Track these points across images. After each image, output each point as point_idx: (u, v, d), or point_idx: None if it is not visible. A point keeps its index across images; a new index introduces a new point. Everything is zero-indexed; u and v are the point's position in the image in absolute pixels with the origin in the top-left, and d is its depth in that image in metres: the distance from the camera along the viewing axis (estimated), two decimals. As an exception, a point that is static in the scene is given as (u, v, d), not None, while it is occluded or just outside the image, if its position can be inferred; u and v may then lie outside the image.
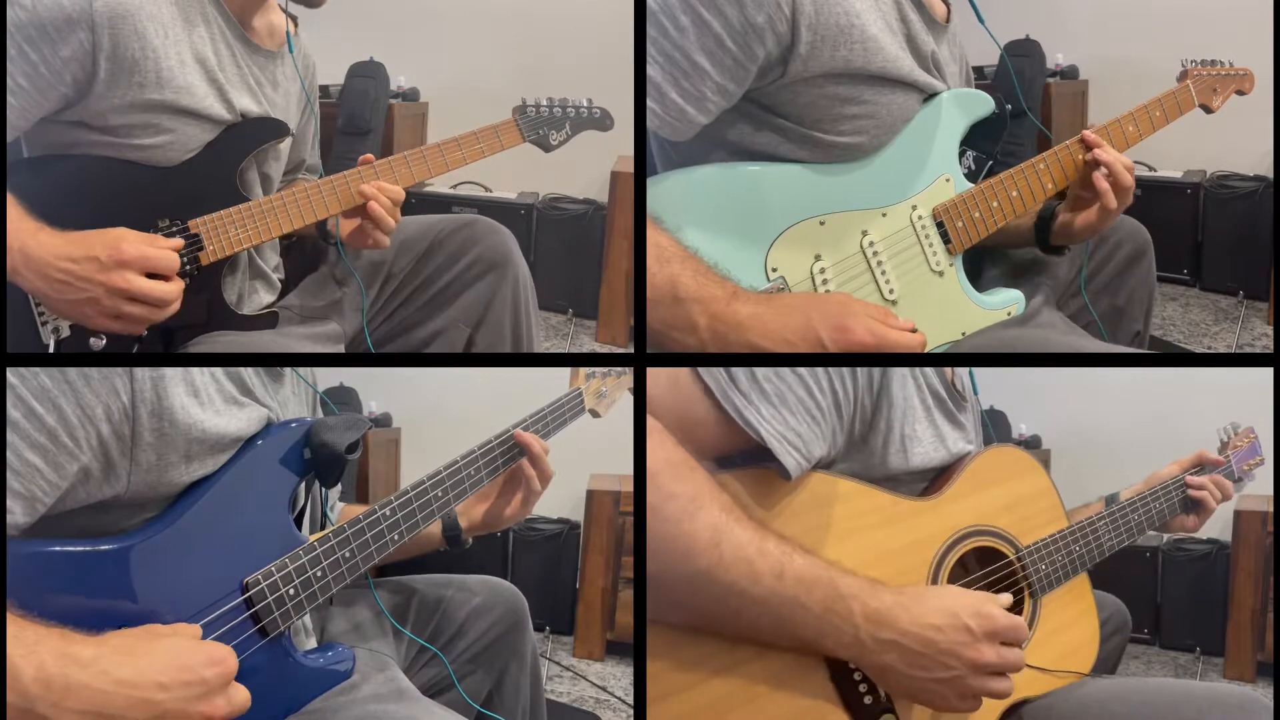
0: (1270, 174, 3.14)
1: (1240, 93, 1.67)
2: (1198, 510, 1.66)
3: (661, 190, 1.32)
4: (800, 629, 1.12)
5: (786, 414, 1.18)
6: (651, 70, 1.28)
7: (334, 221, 1.59)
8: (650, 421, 1.14)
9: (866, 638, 1.12)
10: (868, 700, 1.18)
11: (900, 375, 1.27)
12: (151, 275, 1.34)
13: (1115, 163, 1.48)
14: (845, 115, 1.36)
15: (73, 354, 1.40)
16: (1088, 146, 1.50)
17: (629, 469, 2.66)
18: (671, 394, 1.20)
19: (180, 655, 0.97)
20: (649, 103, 1.28)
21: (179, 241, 1.41)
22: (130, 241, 1.34)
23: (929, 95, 1.43)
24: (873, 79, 1.35)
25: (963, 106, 1.44)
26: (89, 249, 1.31)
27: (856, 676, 1.18)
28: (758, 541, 1.11)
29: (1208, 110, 1.64)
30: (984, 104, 1.46)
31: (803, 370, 1.21)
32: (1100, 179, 1.49)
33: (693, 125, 1.32)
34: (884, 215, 1.40)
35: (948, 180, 1.43)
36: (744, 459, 1.19)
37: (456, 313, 1.70)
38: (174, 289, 1.36)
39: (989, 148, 1.50)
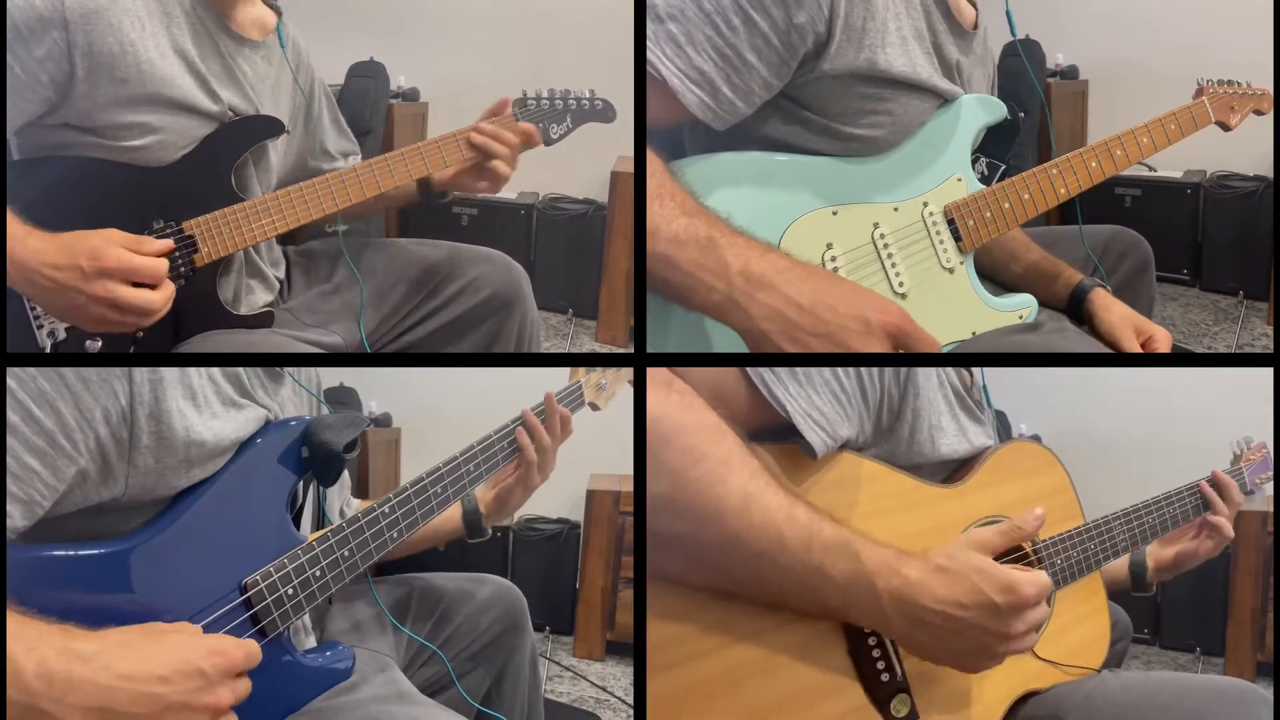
0: (1270, 174, 3.14)
1: (1258, 112, 1.67)
2: (1210, 529, 1.68)
3: (681, 173, 1.33)
4: (826, 599, 1.12)
5: (812, 393, 1.20)
6: (706, 65, 1.31)
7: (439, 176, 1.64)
8: (683, 386, 1.14)
9: (891, 614, 1.12)
10: (884, 678, 1.19)
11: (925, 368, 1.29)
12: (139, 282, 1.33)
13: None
14: (865, 110, 1.38)
15: (71, 354, 1.40)
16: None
17: (629, 469, 2.66)
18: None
19: (181, 649, 0.97)
20: (701, 95, 1.32)
21: (168, 244, 1.39)
22: (114, 248, 1.31)
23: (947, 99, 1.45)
24: (894, 81, 1.38)
25: (977, 111, 1.46)
26: (72, 256, 1.29)
27: (875, 654, 1.19)
28: (787, 508, 1.11)
29: (1225, 128, 1.64)
30: (997, 110, 1.48)
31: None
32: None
33: (738, 117, 1.36)
34: (895, 210, 1.42)
35: (959, 180, 1.45)
36: (771, 436, 1.20)
37: (463, 347, 1.70)
38: (159, 297, 1.33)
39: (1002, 154, 1.52)
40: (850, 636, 1.18)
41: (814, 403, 1.20)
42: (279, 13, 1.65)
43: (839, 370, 1.22)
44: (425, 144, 1.61)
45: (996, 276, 1.65)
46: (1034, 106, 3.39)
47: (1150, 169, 3.38)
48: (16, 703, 0.89)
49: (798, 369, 1.20)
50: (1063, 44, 3.63)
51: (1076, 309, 1.61)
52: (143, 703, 0.93)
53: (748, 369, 1.19)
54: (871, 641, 1.18)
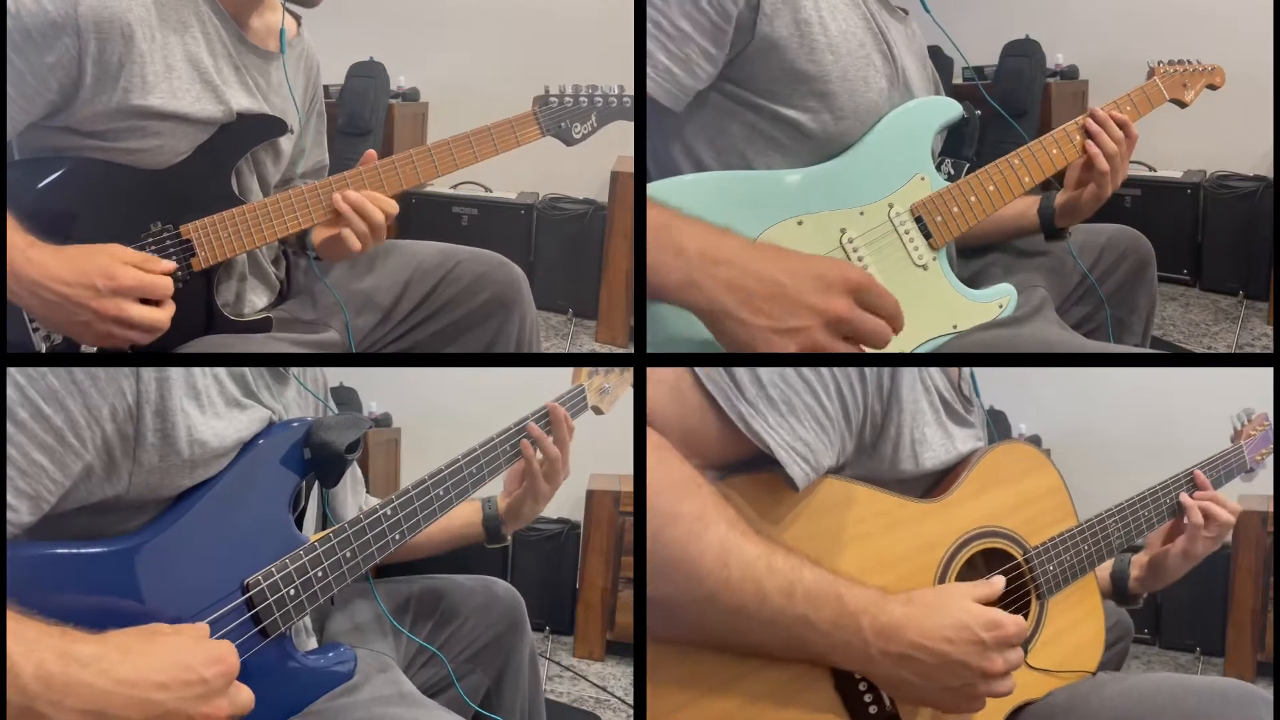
0: (1270, 174, 3.14)
1: (1212, 87, 1.70)
2: (1182, 532, 1.60)
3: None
4: (810, 645, 1.12)
5: (794, 422, 1.18)
6: None
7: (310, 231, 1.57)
8: (652, 436, 1.13)
9: (877, 653, 1.12)
10: (873, 710, 1.18)
11: (909, 378, 1.27)
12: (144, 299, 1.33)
13: (1107, 121, 1.55)
14: (812, 92, 1.39)
15: (75, 354, 1.39)
16: (1091, 118, 1.56)
17: (629, 469, 2.66)
18: (674, 405, 1.18)
19: (181, 654, 0.97)
20: None
21: (172, 265, 1.39)
22: (127, 267, 1.32)
23: (893, 91, 1.45)
24: (831, 49, 1.38)
25: (930, 112, 1.48)
26: (84, 274, 1.29)
27: (862, 687, 1.18)
28: (766, 558, 1.10)
29: (1180, 104, 1.67)
30: (951, 109, 1.49)
31: (810, 375, 1.20)
32: (1090, 144, 1.54)
33: (684, 90, 1.36)
34: (861, 214, 1.42)
35: (923, 179, 1.45)
36: (752, 464, 1.18)
37: (463, 349, 1.70)
38: (166, 315, 1.35)
39: (964, 151, 1.54)
40: (836, 672, 1.17)
41: (796, 433, 1.17)
42: (298, 19, 1.65)
43: (821, 393, 1.20)
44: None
45: (969, 244, 1.67)
46: (1032, 107, 3.41)
47: (1151, 169, 3.38)
48: (13, 704, 0.89)
49: (776, 399, 1.17)
50: (1063, 44, 3.63)
51: (1049, 220, 1.64)
52: (140, 708, 0.92)
53: (724, 406, 1.16)
54: (858, 675, 1.18)
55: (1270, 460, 1.78)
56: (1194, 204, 3.29)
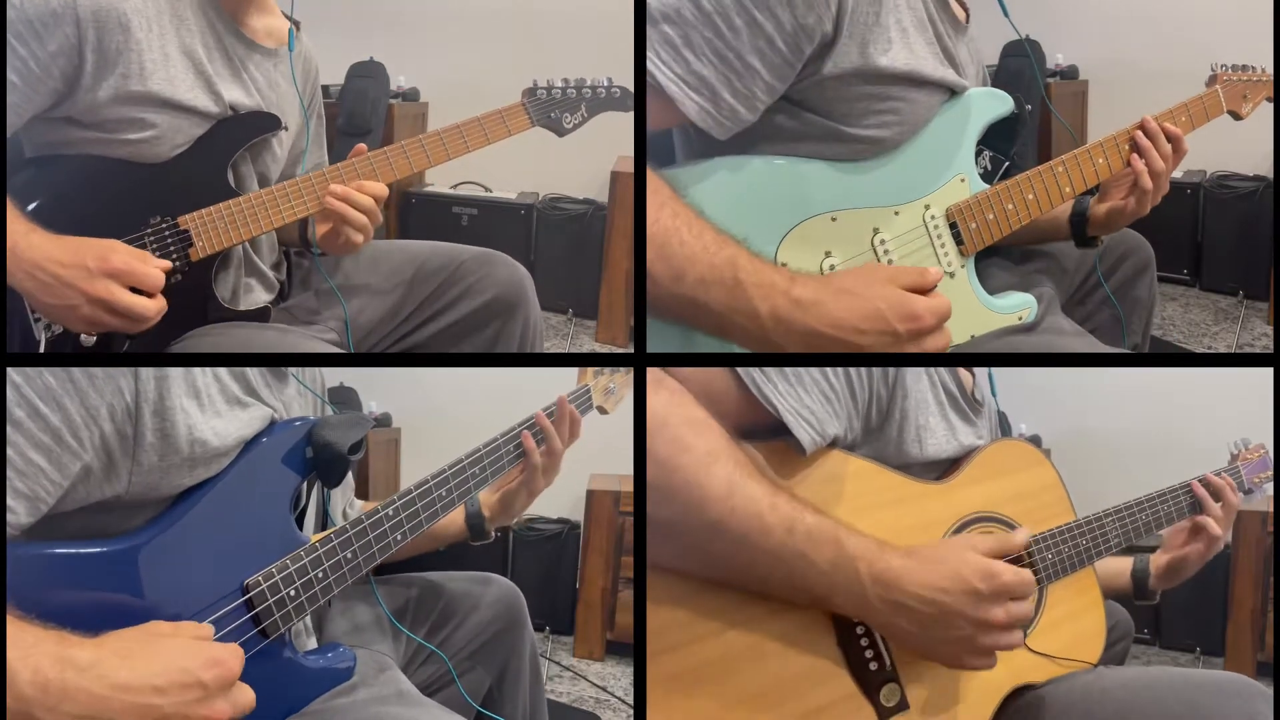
0: (1270, 174, 3.14)
1: (1270, 99, 1.62)
2: (1202, 533, 1.64)
3: (676, 181, 1.31)
4: (810, 584, 1.14)
5: (801, 391, 1.21)
6: (706, 70, 1.27)
7: (312, 226, 1.58)
8: (674, 384, 1.16)
9: (874, 598, 1.13)
10: (873, 666, 1.20)
11: (915, 368, 1.29)
12: (136, 289, 1.35)
13: (1157, 135, 1.50)
14: (871, 110, 1.34)
15: (72, 354, 1.40)
16: (1141, 130, 1.50)
17: (629, 469, 2.66)
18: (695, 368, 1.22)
19: (178, 658, 0.96)
20: (701, 101, 1.27)
21: (167, 264, 1.41)
22: (119, 253, 1.35)
23: (952, 94, 1.41)
24: (899, 77, 1.34)
25: (982, 106, 1.43)
26: (78, 255, 1.32)
27: (864, 643, 1.20)
28: (769, 497, 1.13)
29: (1236, 117, 1.61)
30: (1003, 103, 1.44)
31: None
32: (1136, 158, 1.50)
33: (742, 124, 1.31)
34: (896, 214, 1.39)
35: (963, 180, 1.42)
36: (761, 434, 1.21)
37: (466, 349, 1.70)
38: (154, 306, 1.36)
39: (1005, 148, 1.50)
40: (839, 626, 1.19)
41: (803, 401, 1.21)
42: (296, 25, 1.66)
43: (828, 371, 1.23)
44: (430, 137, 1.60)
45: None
46: (1035, 105, 3.41)
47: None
48: (10, 710, 0.89)
49: (787, 370, 1.20)
50: (1063, 44, 3.63)
51: (1080, 224, 1.59)
52: (138, 713, 0.92)
53: (739, 370, 1.20)
54: (859, 630, 1.20)
55: (1269, 485, 1.79)
56: (1194, 204, 3.29)
